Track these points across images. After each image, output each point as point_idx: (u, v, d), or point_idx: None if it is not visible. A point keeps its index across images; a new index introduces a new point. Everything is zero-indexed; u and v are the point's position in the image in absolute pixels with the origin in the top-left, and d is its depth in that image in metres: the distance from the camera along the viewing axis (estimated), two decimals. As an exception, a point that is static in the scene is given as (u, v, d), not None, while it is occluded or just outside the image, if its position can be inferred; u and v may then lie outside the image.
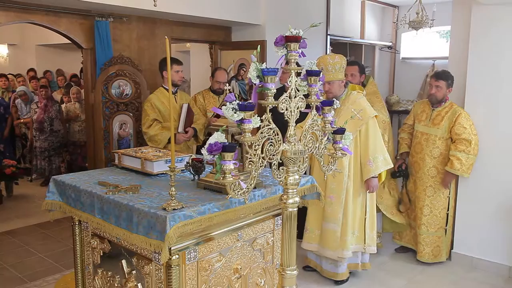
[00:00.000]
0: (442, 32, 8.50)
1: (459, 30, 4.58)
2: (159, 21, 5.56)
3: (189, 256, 2.25)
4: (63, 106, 7.39)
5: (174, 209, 2.13)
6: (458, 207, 4.45)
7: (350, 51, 8.34)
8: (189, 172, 2.69)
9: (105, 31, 4.89)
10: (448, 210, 4.43)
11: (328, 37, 7.00)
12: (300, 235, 5.16)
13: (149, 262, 2.30)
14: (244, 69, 6.13)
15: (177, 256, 2.17)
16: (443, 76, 4.34)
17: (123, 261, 2.48)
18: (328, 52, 6.84)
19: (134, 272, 2.42)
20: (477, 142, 4.23)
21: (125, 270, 2.47)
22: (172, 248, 2.13)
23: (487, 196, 4.28)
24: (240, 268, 2.54)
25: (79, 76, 8.56)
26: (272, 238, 2.74)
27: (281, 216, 2.19)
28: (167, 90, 4.47)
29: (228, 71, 6.35)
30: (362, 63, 6.77)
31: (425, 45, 8.66)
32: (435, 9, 6.79)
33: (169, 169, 2.16)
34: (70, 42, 5.05)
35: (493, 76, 4.21)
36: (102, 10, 4.89)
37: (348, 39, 7.84)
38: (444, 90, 4.33)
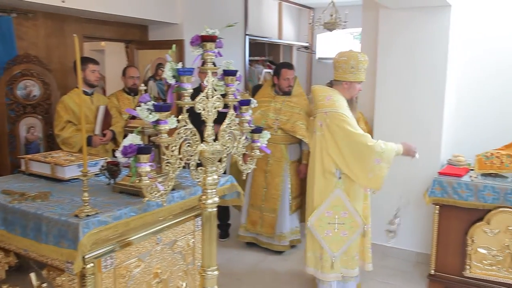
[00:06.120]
0: (355, 34, 8.95)
1: (369, 33, 4.78)
2: (68, 18, 5.25)
3: (105, 264, 2.15)
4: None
5: (87, 216, 2.03)
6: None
7: (269, 51, 8.50)
8: (104, 176, 2.58)
9: (7, 27, 4.52)
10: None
11: (247, 37, 7.09)
12: (222, 236, 5.16)
13: (61, 273, 2.16)
14: (162, 68, 5.99)
15: (92, 264, 2.07)
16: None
17: (32, 275, 2.31)
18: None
19: (44, 285, 2.26)
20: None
21: (34, 284, 2.30)
22: (86, 257, 2.02)
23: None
24: (160, 272, 2.48)
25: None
26: (192, 240, 2.71)
27: (201, 217, 2.17)
28: (83, 91, 4.25)
29: (145, 71, 6.19)
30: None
31: (339, 45, 9.06)
32: (347, 11, 7.14)
33: (81, 174, 2.05)
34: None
35: (401, 79, 4.33)
36: (3, 4, 4.52)
37: (266, 39, 7.98)
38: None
